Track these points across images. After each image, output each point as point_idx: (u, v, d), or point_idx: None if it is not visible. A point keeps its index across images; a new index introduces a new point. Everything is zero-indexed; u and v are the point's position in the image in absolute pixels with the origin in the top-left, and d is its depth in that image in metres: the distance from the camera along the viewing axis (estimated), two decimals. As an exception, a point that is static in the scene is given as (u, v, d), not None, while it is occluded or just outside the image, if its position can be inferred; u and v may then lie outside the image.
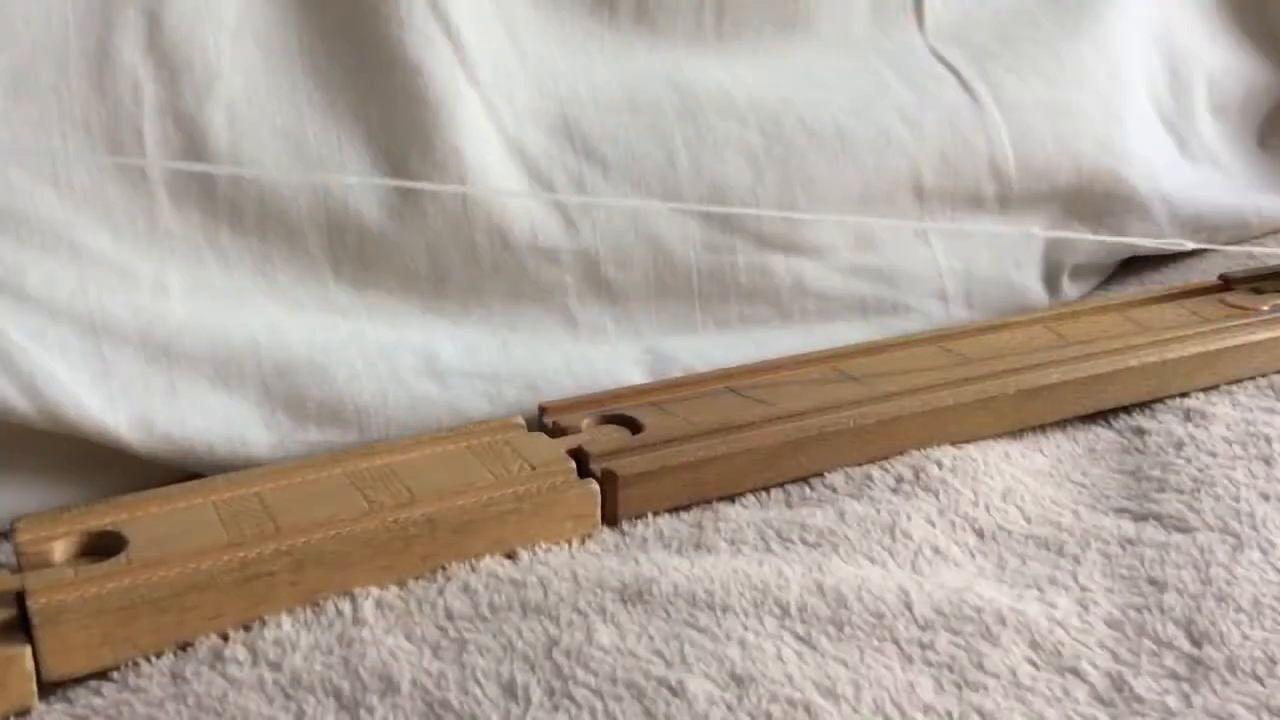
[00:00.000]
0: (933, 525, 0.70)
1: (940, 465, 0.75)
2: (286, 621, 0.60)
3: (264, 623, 0.60)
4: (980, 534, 0.70)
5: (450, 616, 0.61)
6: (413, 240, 0.80)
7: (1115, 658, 0.59)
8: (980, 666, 0.58)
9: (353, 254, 0.79)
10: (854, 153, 0.93)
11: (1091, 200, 1.04)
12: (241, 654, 0.58)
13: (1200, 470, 0.76)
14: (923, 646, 0.60)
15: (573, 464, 0.71)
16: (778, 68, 0.94)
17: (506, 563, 0.66)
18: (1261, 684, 0.58)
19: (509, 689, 0.56)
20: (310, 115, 0.77)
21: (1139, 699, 0.57)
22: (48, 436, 0.70)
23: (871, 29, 1.00)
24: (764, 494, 0.74)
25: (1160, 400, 0.86)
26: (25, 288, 0.69)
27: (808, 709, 0.55)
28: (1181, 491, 0.74)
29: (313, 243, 0.78)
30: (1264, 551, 0.68)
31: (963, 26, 1.03)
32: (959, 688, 0.57)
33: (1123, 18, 1.09)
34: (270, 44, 0.76)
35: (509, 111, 0.83)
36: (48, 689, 0.57)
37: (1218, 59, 1.20)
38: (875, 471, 0.75)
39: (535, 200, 0.83)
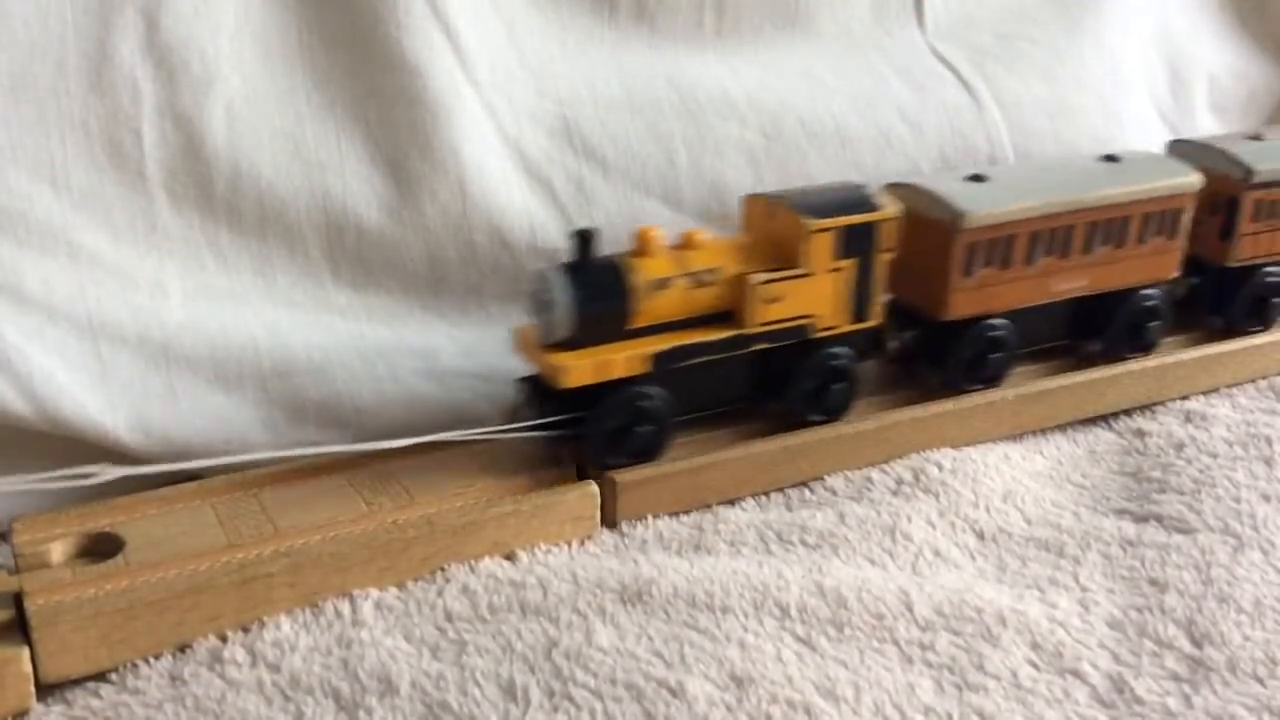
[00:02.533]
0: (933, 527, 0.70)
1: (940, 467, 0.75)
2: (285, 623, 0.60)
3: (263, 624, 0.60)
4: (980, 535, 0.70)
5: (449, 618, 0.61)
6: (411, 241, 0.80)
7: (1116, 659, 0.59)
8: (981, 668, 0.58)
9: (351, 255, 0.79)
10: (854, 152, 0.93)
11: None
12: (240, 655, 0.58)
13: (1201, 471, 0.76)
14: (923, 648, 0.59)
15: (572, 466, 0.70)
16: (778, 67, 0.94)
17: (506, 564, 0.66)
18: (1262, 685, 0.57)
19: (508, 690, 0.56)
20: (309, 115, 0.77)
21: (1140, 700, 0.56)
22: (46, 438, 0.69)
23: (872, 28, 0.99)
24: (764, 496, 0.74)
25: (1160, 403, 0.86)
26: (23, 289, 0.69)
27: (808, 710, 0.54)
28: (1182, 493, 0.74)
29: (311, 244, 0.78)
30: (1265, 552, 0.68)
31: (963, 25, 1.03)
32: (959, 689, 0.57)
33: (1123, 17, 1.09)
34: (269, 44, 0.76)
35: (508, 111, 0.83)
36: (46, 691, 0.57)
37: (1218, 58, 1.20)
38: (875, 474, 0.75)
39: (534, 199, 0.83)
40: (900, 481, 0.74)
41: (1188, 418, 0.84)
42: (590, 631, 0.60)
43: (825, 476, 0.75)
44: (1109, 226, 0.81)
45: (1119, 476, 0.77)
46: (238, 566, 0.60)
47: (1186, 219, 0.84)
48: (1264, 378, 0.90)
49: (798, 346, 0.73)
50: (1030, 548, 0.69)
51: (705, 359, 0.70)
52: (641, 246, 0.70)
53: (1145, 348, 0.85)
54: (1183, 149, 0.89)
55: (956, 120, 0.97)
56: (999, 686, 0.57)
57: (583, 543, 0.68)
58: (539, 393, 0.70)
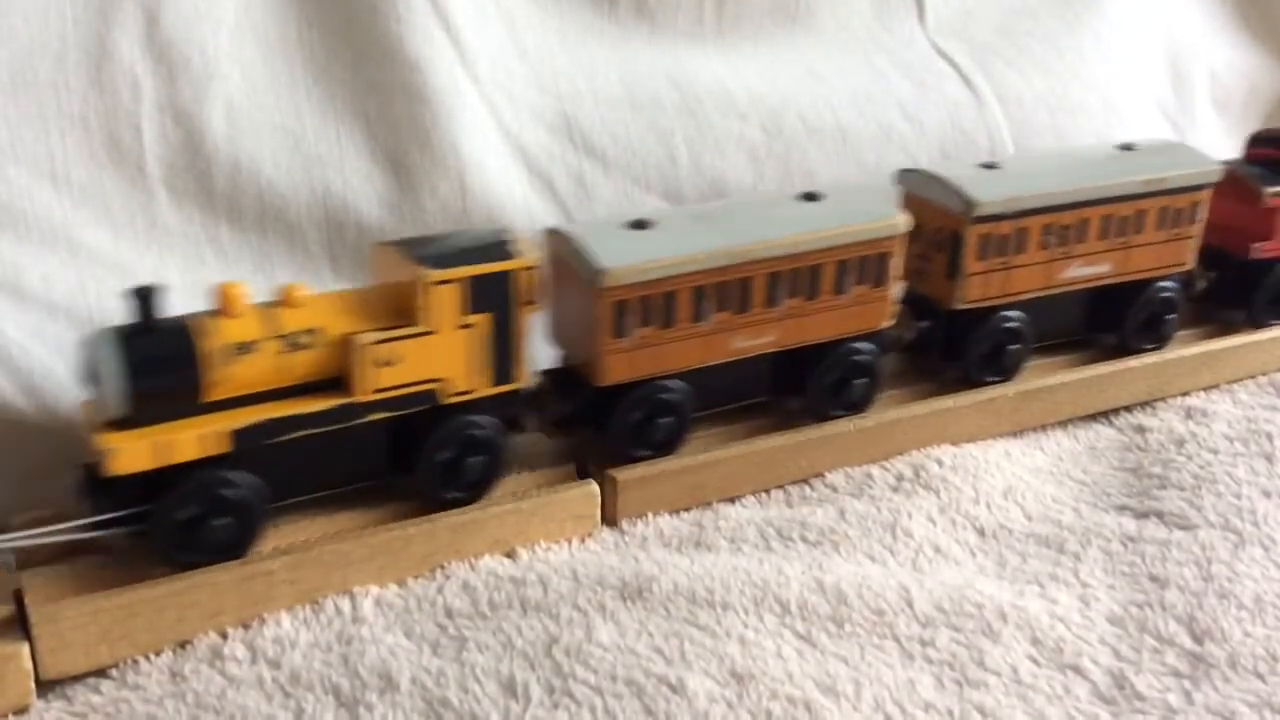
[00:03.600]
0: (933, 523, 0.70)
1: (940, 463, 0.75)
2: (286, 619, 0.60)
3: (263, 621, 0.60)
4: (981, 532, 0.70)
5: (450, 614, 0.61)
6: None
7: (1117, 655, 0.59)
8: (981, 664, 0.58)
9: (352, 250, 0.79)
10: (855, 148, 0.93)
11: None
12: (240, 652, 0.58)
13: (1201, 467, 0.76)
14: (923, 644, 0.59)
15: (572, 464, 0.70)
16: (778, 63, 0.93)
17: (506, 561, 0.66)
18: (1263, 681, 0.57)
19: (509, 687, 0.56)
20: (309, 111, 0.77)
21: (1140, 696, 0.56)
22: (45, 433, 0.69)
23: (872, 23, 0.99)
24: (764, 493, 0.74)
25: (1161, 399, 0.86)
26: (23, 285, 0.69)
27: (808, 707, 0.54)
28: (1183, 489, 0.74)
29: (312, 239, 0.78)
30: (1265, 548, 0.68)
31: (963, 21, 1.03)
32: (960, 685, 0.57)
33: (1124, 12, 1.09)
34: (268, 40, 0.76)
35: (508, 108, 0.83)
36: (46, 687, 0.57)
37: (1220, 53, 1.20)
38: (875, 470, 0.75)
39: (534, 195, 0.83)
40: (900, 478, 0.74)
41: (1188, 414, 0.84)
42: (591, 628, 0.60)
43: (825, 473, 0.75)
44: (795, 277, 0.71)
45: (1119, 473, 0.77)
46: (238, 564, 0.60)
47: (895, 264, 0.74)
48: (1265, 374, 0.89)
49: (427, 415, 0.63)
50: (1031, 544, 0.69)
51: (305, 433, 0.60)
52: (222, 305, 0.59)
53: (852, 405, 0.76)
54: (909, 179, 0.80)
55: (957, 116, 0.97)
56: (999, 682, 0.57)
57: (583, 540, 0.68)
58: (97, 481, 0.57)
